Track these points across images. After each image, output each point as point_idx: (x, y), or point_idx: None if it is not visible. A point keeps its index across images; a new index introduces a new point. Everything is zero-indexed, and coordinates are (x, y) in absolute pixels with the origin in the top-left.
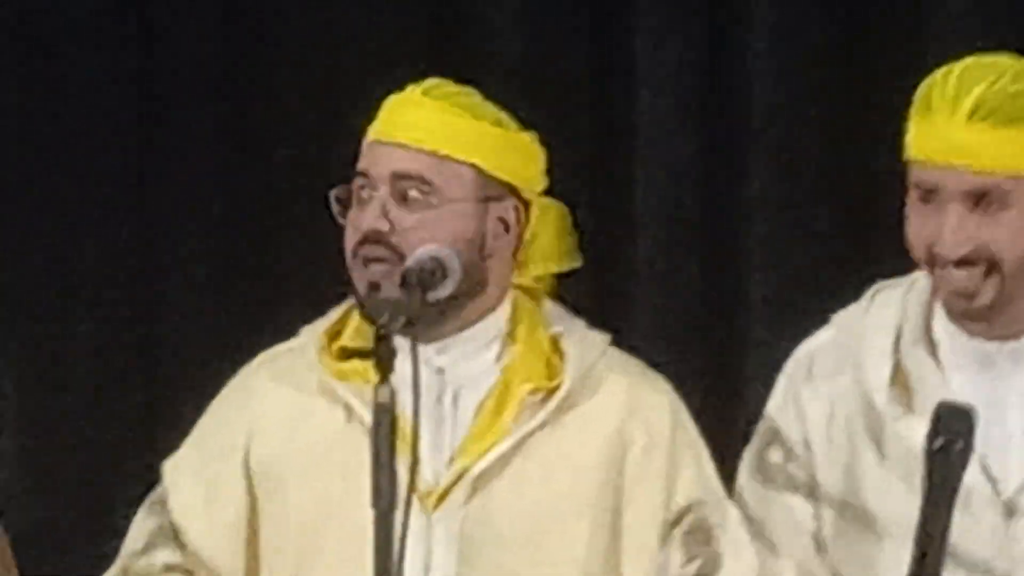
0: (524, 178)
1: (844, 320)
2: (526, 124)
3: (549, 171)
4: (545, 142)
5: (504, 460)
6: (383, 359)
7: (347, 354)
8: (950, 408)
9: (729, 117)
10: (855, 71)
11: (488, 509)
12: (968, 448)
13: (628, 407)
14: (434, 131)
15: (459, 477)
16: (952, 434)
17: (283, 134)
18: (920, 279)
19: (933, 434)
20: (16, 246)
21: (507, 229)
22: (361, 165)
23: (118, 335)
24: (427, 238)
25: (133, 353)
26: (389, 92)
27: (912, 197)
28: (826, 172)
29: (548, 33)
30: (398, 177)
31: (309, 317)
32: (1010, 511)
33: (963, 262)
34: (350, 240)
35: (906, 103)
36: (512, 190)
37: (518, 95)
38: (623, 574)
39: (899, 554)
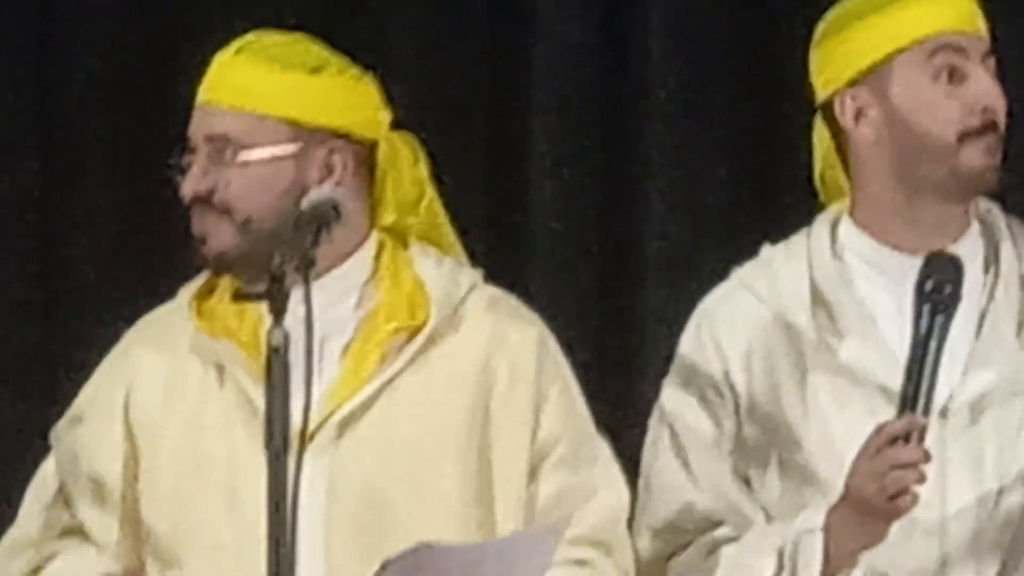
0: (354, 121)
1: (746, 273)
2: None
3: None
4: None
5: (370, 401)
6: (277, 301)
7: (238, 297)
8: (940, 256)
9: (630, 85)
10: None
11: (356, 451)
12: (957, 292)
13: (493, 343)
14: (241, 89)
15: (326, 420)
16: (942, 277)
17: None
18: (814, 227)
19: (924, 277)
20: None
21: (331, 171)
22: (187, 132)
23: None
24: (242, 193)
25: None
26: None
27: (923, 81)
28: (726, 123)
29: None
30: (210, 139)
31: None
32: (943, 412)
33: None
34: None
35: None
36: (340, 134)
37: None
38: (495, 509)
39: (825, 470)
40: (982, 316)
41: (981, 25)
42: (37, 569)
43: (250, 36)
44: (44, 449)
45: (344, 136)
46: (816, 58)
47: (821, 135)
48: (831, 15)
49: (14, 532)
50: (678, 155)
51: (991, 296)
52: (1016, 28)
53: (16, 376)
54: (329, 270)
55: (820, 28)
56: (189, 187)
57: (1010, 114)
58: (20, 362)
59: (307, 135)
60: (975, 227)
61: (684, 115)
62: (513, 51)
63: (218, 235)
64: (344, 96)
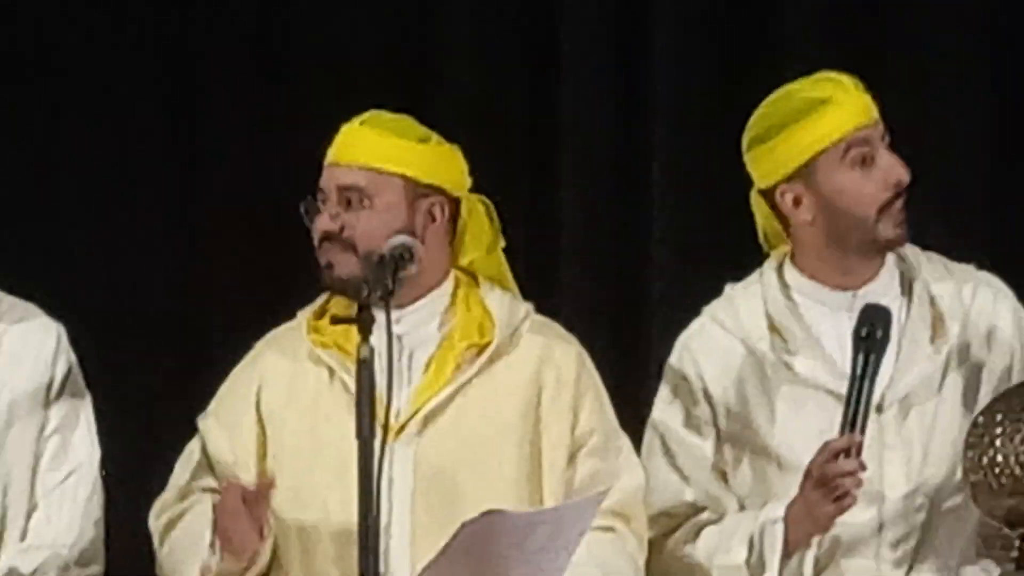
0: (448, 181)
1: (714, 309)
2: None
3: (486, 175)
4: (481, 151)
5: (447, 401)
6: (364, 324)
7: (336, 321)
8: (873, 307)
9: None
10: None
11: (436, 439)
12: (887, 335)
13: (542, 358)
14: (368, 152)
15: (413, 415)
16: (874, 324)
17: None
18: (764, 271)
19: (860, 324)
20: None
21: (434, 219)
22: (320, 184)
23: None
24: (368, 231)
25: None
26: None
27: (842, 172)
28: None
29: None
30: (342, 189)
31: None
32: (879, 408)
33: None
34: (315, 241)
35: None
36: (439, 190)
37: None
38: (542, 487)
39: (787, 462)
40: (902, 330)
41: (875, 111)
42: (172, 524)
43: (369, 114)
44: (191, 434)
45: (442, 192)
46: (749, 158)
47: (760, 204)
48: (755, 124)
49: (163, 495)
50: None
51: (908, 314)
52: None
53: (170, 376)
54: (418, 298)
55: (748, 134)
56: (323, 226)
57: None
58: (174, 367)
59: (415, 189)
60: (890, 260)
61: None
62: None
63: (344, 264)
64: (443, 161)
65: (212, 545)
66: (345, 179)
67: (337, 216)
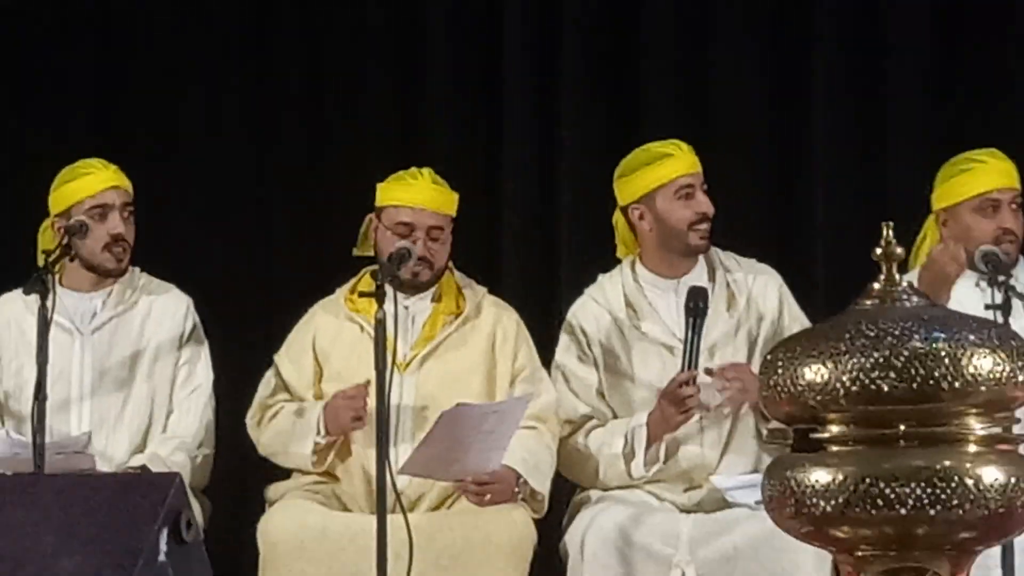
0: (454, 213)
1: (592, 290)
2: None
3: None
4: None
5: (435, 349)
6: (380, 297)
7: (362, 295)
8: (696, 287)
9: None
10: None
11: (429, 372)
12: (706, 305)
13: (495, 322)
14: (443, 203)
15: (414, 357)
16: (697, 299)
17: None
18: (623, 266)
19: (688, 300)
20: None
21: (452, 237)
22: (406, 218)
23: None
24: (441, 256)
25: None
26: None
27: (671, 201)
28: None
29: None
30: (431, 228)
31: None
32: (670, 351)
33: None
34: (396, 251)
35: None
36: (452, 219)
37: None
38: (495, 400)
39: (640, 388)
40: (708, 302)
41: (699, 166)
42: (265, 420)
43: (428, 171)
44: (267, 367)
45: (454, 220)
46: (617, 186)
47: (620, 220)
48: (623, 164)
49: (253, 405)
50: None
51: (713, 292)
52: None
53: (254, 329)
54: (432, 284)
55: (617, 171)
56: (421, 253)
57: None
58: (257, 323)
59: (450, 221)
60: (702, 258)
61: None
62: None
63: (422, 274)
64: (455, 202)
65: (318, 430)
66: (432, 221)
67: (426, 245)
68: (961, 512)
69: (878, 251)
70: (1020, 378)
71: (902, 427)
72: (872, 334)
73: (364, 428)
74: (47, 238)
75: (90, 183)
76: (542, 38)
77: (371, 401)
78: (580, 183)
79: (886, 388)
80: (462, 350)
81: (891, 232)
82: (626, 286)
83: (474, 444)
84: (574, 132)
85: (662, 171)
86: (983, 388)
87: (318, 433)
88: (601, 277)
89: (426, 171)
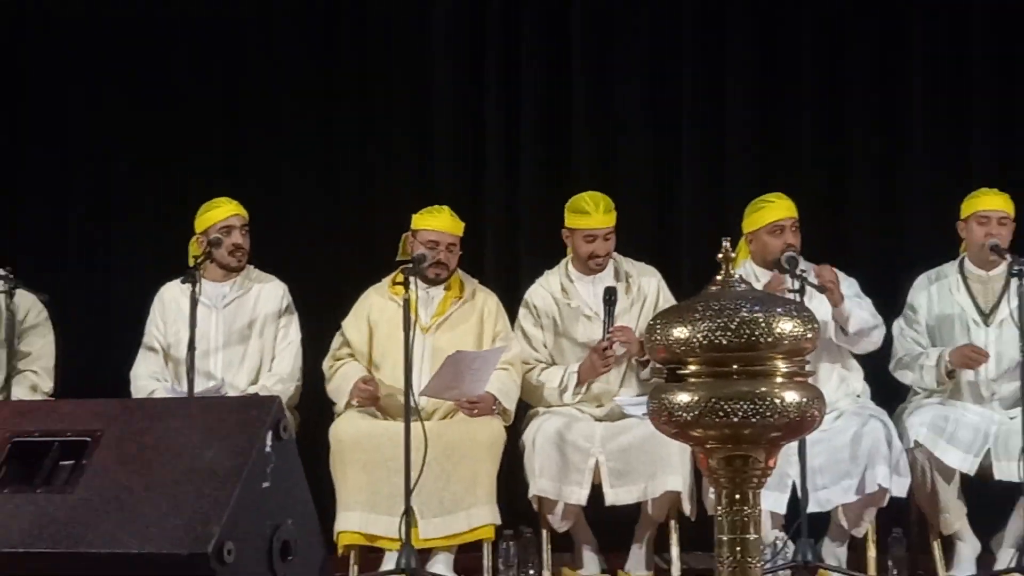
0: (461, 234)
1: (541, 279)
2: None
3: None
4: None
5: (445, 319)
6: (406, 287)
7: (395, 285)
8: (610, 287)
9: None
10: None
11: (441, 334)
12: (616, 299)
13: (484, 303)
14: (455, 228)
15: (431, 324)
16: (611, 293)
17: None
18: (561, 264)
19: (605, 294)
20: None
21: (460, 249)
22: (434, 237)
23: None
24: (454, 262)
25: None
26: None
27: (579, 239)
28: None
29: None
30: (449, 244)
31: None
32: (588, 319)
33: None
34: (417, 256)
35: None
36: (460, 238)
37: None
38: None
39: (575, 348)
40: (617, 295)
41: (613, 220)
42: (334, 369)
43: (444, 207)
44: (336, 329)
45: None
46: (567, 218)
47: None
48: (570, 203)
49: (328, 355)
50: None
51: (618, 285)
52: None
53: (329, 304)
54: (448, 278)
55: (567, 206)
56: (443, 260)
57: None
58: (331, 302)
59: (459, 239)
60: (611, 262)
61: None
62: None
63: (441, 275)
64: (461, 225)
65: (349, 397)
66: (449, 240)
67: (447, 255)
68: (772, 420)
69: (720, 255)
70: (809, 335)
71: (735, 366)
72: (716, 307)
73: (377, 399)
74: (194, 248)
75: (220, 212)
76: (508, 115)
77: (386, 381)
78: (534, 213)
79: (724, 342)
80: (462, 320)
81: (728, 243)
82: (562, 278)
83: (467, 377)
84: (530, 176)
85: (588, 219)
86: (786, 341)
87: (347, 398)
88: (547, 272)
89: (445, 207)
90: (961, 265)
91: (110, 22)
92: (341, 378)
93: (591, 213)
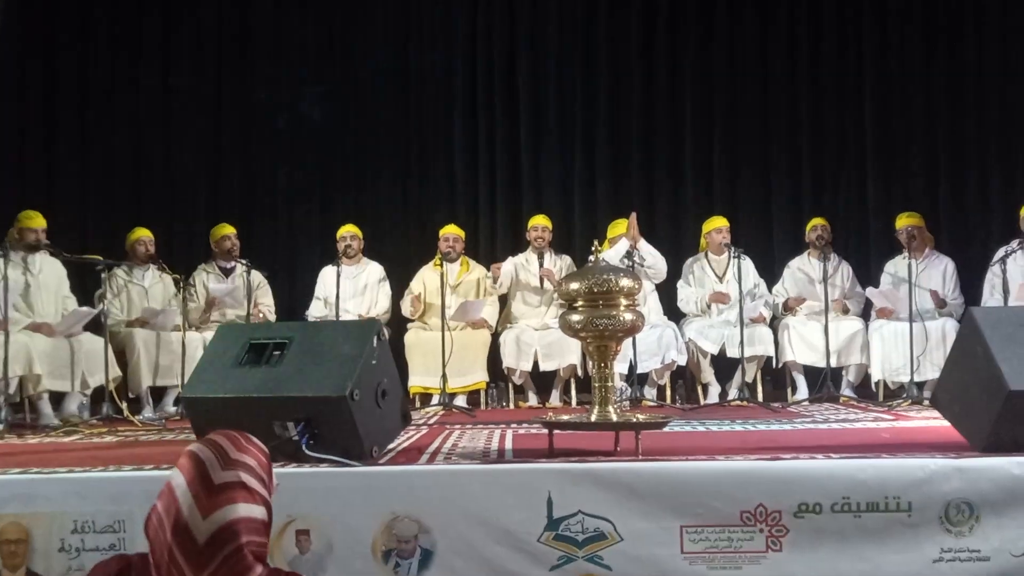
0: (463, 235)
1: (511, 258)
2: None
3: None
4: None
5: (460, 283)
6: (442, 264)
7: (437, 264)
8: (547, 268)
9: None
10: None
11: (458, 291)
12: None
13: (479, 273)
14: (459, 233)
15: (454, 284)
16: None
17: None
18: (525, 252)
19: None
20: None
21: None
22: (451, 238)
23: None
24: (460, 250)
25: None
26: None
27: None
28: None
29: None
30: (455, 240)
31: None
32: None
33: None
34: (444, 252)
35: None
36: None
37: None
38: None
39: (526, 294)
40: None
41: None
42: (403, 303)
43: (452, 224)
44: (404, 287)
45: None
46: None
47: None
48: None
49: (404, 298)
50: None
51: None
52: None
53: (400, 276)
54: (456, 259)
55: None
56: (457, 250)
57: None
58: (401, 275)
59: (463, 238)
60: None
61: None
62: None
63: (451, 255)
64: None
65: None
66: (456, 238)
67: (455, 248)
68: (618, 327)
69: (593, 249)
70: (636, 286)
71: (600, 302)
72: (591, 273)
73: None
74: (340, 247)
75: (343, 230)
76: (510, 157)
77: (431, 312)
78: (500, 226)
79: (595, 289)
80: (469, 283)
81: (598, 242)
82: (518, 258)
83: (470, 311)
84: (497, 206)
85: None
86: (624, 288)
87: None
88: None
89: (451, 226)
90: (706, 255)
91: None
92: (406, 307)
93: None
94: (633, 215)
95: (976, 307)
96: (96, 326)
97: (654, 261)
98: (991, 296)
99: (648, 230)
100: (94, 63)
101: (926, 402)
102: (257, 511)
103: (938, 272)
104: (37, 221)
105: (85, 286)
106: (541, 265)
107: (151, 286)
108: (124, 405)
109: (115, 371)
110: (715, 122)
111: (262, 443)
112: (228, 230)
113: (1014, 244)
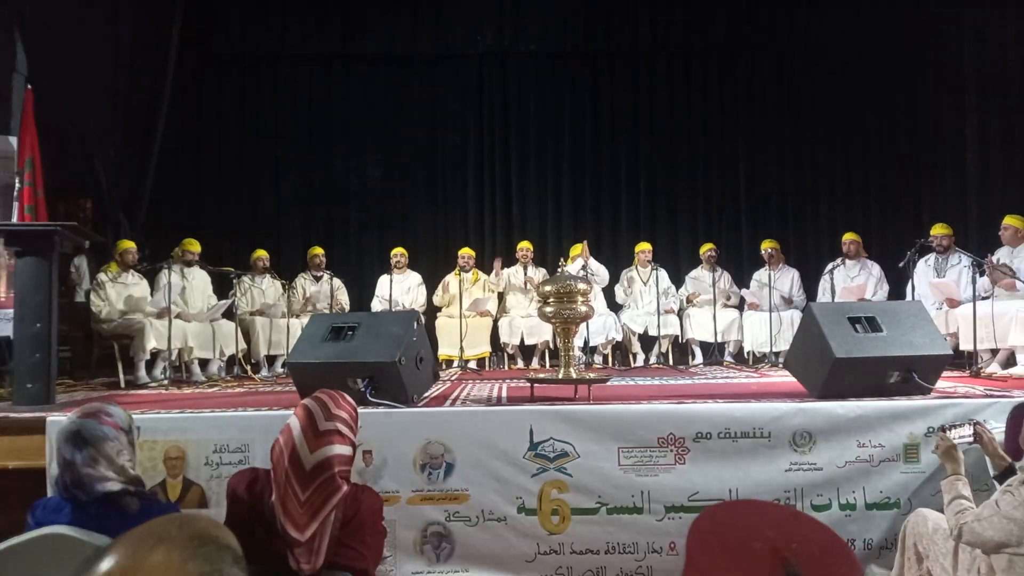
0: (474, 254)
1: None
2: None
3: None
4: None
5: (472, 286)
6: (460, 273)
7: (456, 274)
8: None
9: None
10: None
11: (472, 291)
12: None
13: (484, 279)
14: (471, 253)
15: (467, 287)
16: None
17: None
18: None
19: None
20: None
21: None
22: (465, 255)
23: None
24: (472, 264)
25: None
26: None
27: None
28: None
29: None
30: (468, 258)
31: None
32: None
33: None
34: (460, 265)
35: None
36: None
37: None
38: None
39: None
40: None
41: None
42: (435, 296)
43: (466, 248)
44: (436, 285)
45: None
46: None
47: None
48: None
49: (436, 293)
50: None
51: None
52: None
53: (433, 280)
54: (470, 271)
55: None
56: (466, 263)
57: None
58: (434, 281)
59: (474, 257)
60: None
61: None
62: None
63: (466, 268)
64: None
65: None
66: (468, 255)
67: (467, 262)
68: (577, 315)
69: (562, 261)
70: (589, 289)
71: (564, 299)
72: (559, 279)
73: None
74: (392, 263)
75: (394, 251)
76: (504, 202)
77: (453, 306)
78: (499, 245)
79: (561, 291)
80: (478, 286)
81: (563, 259)
82: (511, 269)
83: (480, 305)
84: (497, 234)
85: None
86: (581, 289)
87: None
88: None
89: (466, 248)
90: (636, 268)
91: None
92: (437, 300)
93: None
94: (584, 243)
95: (814, 303)
96: (230, 315)
97: (599, 271)
98: (823, 295)
99: (597, 250)
100: (227, 139)
101: (780, 365)
102: (347, 450)
103: (787, 279)
104: (195, 247)
105: (223, 289)
106: (526, 274)
107: (267, 288)
108: (248, 368)
109: (242, 345)
110: (640, 176)
111: (351, 398)
112: (318, 251)
113: (838, 261)
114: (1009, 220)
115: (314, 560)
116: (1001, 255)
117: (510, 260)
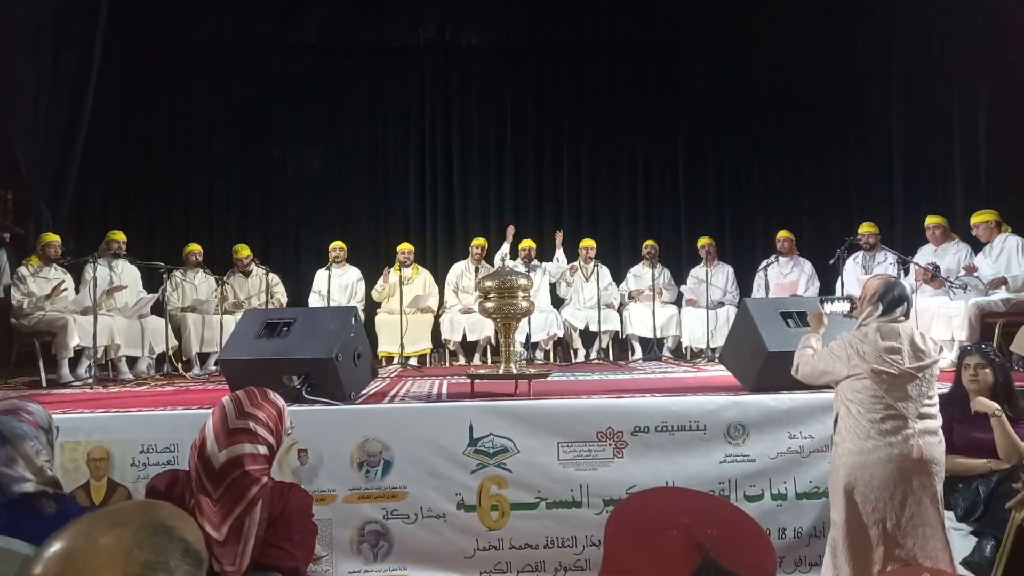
0: (413, 248)
1: (457, 264)
2: None
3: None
4: None
5: (411, 281)
6: (400, 269)
7: (396, 269)
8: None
9: None
10: None
11: (411, 287)
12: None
13: (424, 275)
14: (410, 247)
15: (406, 281)
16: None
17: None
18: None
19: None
20: None
21: None
22: (404, 253)
23: None
24: (411, 259)
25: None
26: None
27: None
28: None
29: None
30: (407, 254)
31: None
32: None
33: None
34: (399, 262)
35: None
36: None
37: None
38: None
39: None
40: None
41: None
42: (373, 291)
43: (405, 243)
44: (375, 280)
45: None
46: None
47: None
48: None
49: (375, 288)
50: None
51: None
52: None
53: (368, 276)
54: (409, 265)
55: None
56: (406, 258)
57: None
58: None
59: (413, 253)
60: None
61: None
62: None
63: (406, 263)
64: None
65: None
66: (407, 251)
67: (406, 258)
68: (518, 310)
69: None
70: (528, 285)
71: (505, 295)
72: (499, 274)
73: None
74: (330, 257)
75: (334, 244)
76: (445, 195)
77: (393, 302)
78: (442, 241)
79: (501, 286)
80: (417, 281)
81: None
82: (462, 264)
83: (420, 301)
84: (438, 228)
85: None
86: (522, 286)
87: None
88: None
89: (405, 243)
90: (580, 264)
91: None
92: (375, 295)
93: None
94: (560, 232)
95: (748, 298)
96: (159, 310)
97: (555, 269)
98: (758, 291)
99: (540, 246)
100: (158, 130)
101: (716, 360)
102: (259, 449)
103: (723, 275)
104: (118, 236)
105: (153, 284)
106: (477, 272)
107: (199, 284)
108: (179, 366)
109: (173, 342)
110: (582, 172)
111: (278, 396)
112: (245, 252)
113: (772, 259)
114: (934, 220)
115: (239, 562)
116: (924, 254)
117: (451, 256)
